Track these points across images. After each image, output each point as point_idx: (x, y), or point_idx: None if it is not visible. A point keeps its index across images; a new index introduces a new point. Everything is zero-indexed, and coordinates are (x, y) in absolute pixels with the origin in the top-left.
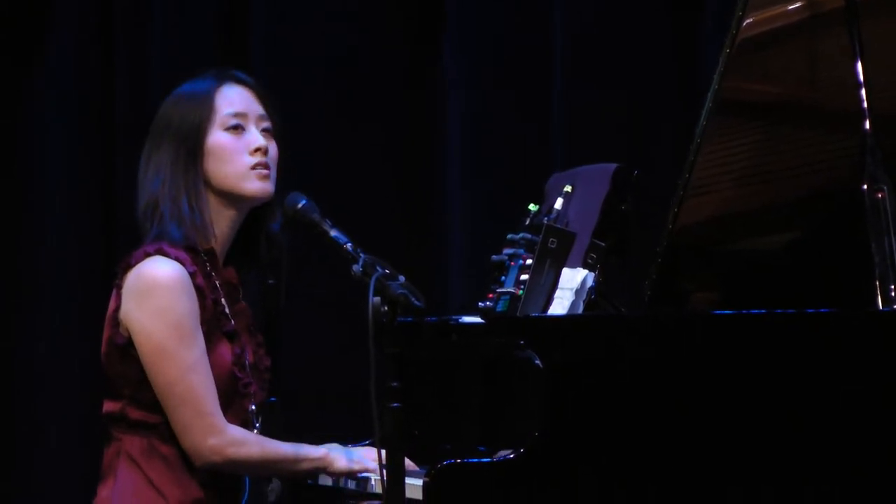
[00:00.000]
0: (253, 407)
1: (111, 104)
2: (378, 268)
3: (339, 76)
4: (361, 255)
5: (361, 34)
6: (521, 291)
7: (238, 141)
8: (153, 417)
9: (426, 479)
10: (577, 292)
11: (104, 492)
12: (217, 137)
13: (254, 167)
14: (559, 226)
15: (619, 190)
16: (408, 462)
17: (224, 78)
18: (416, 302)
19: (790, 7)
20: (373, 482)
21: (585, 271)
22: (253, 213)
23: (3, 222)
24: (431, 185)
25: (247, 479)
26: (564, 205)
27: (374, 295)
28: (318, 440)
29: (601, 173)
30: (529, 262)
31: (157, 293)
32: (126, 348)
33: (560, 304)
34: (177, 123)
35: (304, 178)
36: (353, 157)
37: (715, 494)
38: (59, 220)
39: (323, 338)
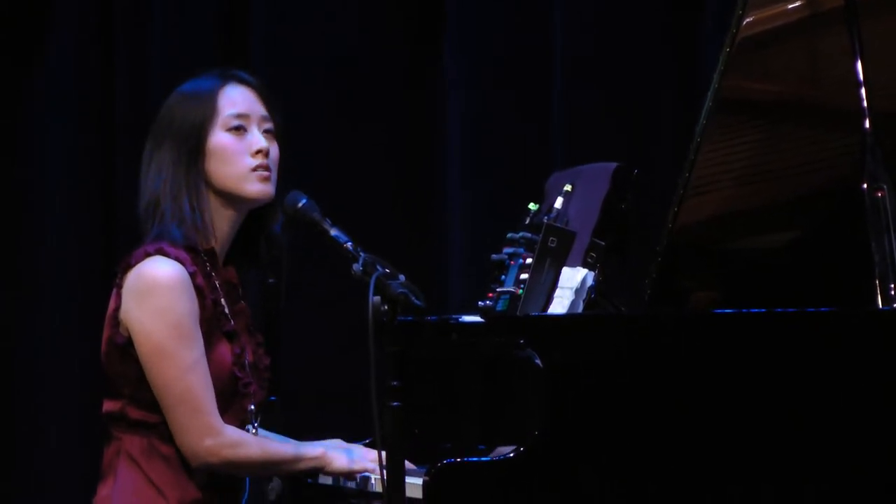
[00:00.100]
0: (252, 407)
1: (111, 104)
2: (378, 267)
3: (339, 76)
4: (361, 254)
5: (361, 34)
6: (521, 290)
7: (240, 142)
8: (153, 417)
9: (426, 478)
10: (577, 291)
11: (104, 491)
12: (219, 138)
13: (255, 169)
14: (559, 225)
15: (619, 189)
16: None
17: (227, 78)
18: (417, 301)
19: (790, 6)
20: (373, 481)
21: (585, 270)
22: (253, 213)
23: (3, 222)
24: (431, 185)
25: (247, 479)
26: (564, 204)
27: (375, 294)
28: (317, 439)
29: (601, 172)
30: (529, 261)
31: (157, 293)
32: (126, 348)
33: (560, 304)
34: (179, 123)
35: (304, 178)
36: (353, 156)
37: (715, 493)
38: (59, 220)
39: (323, 337)
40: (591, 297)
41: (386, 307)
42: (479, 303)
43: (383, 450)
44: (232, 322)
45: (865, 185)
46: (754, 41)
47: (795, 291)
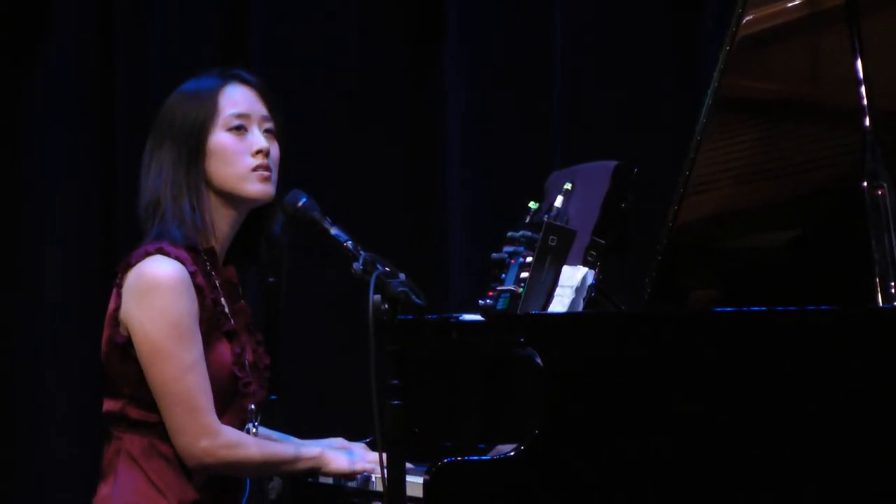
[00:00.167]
0: (252, 406)
1: (111, 104)
2: (378, 265)
3: (339, 76)
4: (361, 252)
5: (361, 34)
6: (521, 289)
7: (240, 142)
8: (153, 416)
9: (426, 476)
10: (578, 290)
11: (104, 490)
12: (219, 138)
13: (255, 169)
14: (559, 223)
15: (619, 187)
16: None
17: (228, 77)
18: (417, 300)
19: (790, 4)
20: (373, 480)
21: (585, 269)
22: (254, 212)
23: (3, 222)
24: (432, 184)
25: (247, 478)
26: (564, 202)
27: (375, 293)
28: (318, 439)
29: (601, 171)
30: (529, 259)
31: (157, 292)
32: (125, 347)
33: (560, 302)
34: (179, 122)
35: (304, 178)
36: (353, 156)
37: (715, 491)
38: (59, 220)
39: (323, 337)
40: (592, 295)
41: (386, 306)
42: (480, 301)
43: (383, 449)
44: (232, 321)
45: (865, 184)
46: (754, 39)
47: (795, 290)
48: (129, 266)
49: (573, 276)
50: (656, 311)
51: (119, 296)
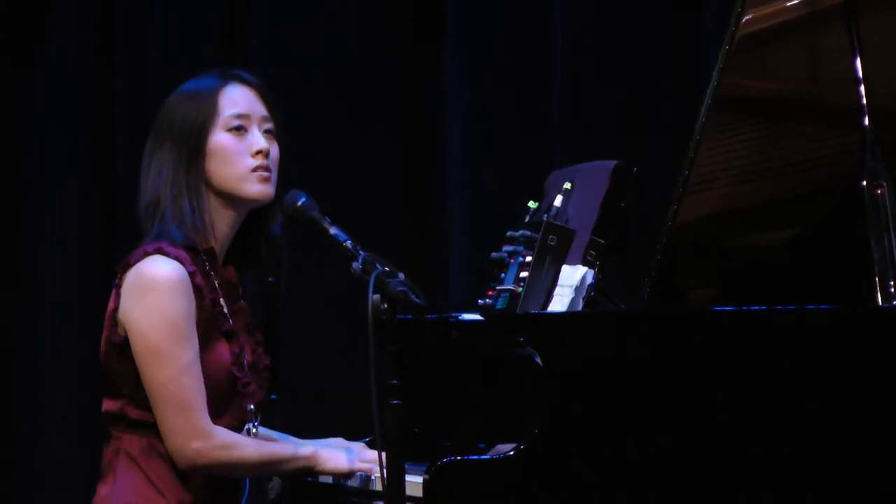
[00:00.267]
0: (252, 406)
1: (111, 104)
2: (377, 265)
3: (339, 76)
4: (361, 252)
5: (361, 34)
6: (520, 289)
7: (240, 142)
8: (152, 417)
9: (426, 476)
10: (577, 289)
11: (104, 490)
12: (219, 138)
13: (255, 169)
14: (559, 223)
15: (619, 187)
16: None
17: (228, 77)
18: (416, 299)
19: (789, 3)
20: (373, 480)
21: (585, 268)
22: (253, 213)
23: (3, 222)
24: (432, 184)
25: (247, 478)
26: (564, 202)
27: (374, 292)
28: (318, 438)
29: (601, 170)
30: (529, 259)
31: (156, 292)
32: (123, 347)
33: (560, 302)
34: (179, 122)
35: (304, 178)
36: (353, 156)
37: (715, 491)
38: (59, 220)
39: (322, 336)
40: (591, 294)
41: (385, 305)
42: (479, 301)
43: (383, 448)
44: (231, 321)
45: (865, 183)
46: (753, 39)
47: (795, 289)
48: (129, 266)
49: (573, 276)
50: (656, 311)
51: (118, 296)
